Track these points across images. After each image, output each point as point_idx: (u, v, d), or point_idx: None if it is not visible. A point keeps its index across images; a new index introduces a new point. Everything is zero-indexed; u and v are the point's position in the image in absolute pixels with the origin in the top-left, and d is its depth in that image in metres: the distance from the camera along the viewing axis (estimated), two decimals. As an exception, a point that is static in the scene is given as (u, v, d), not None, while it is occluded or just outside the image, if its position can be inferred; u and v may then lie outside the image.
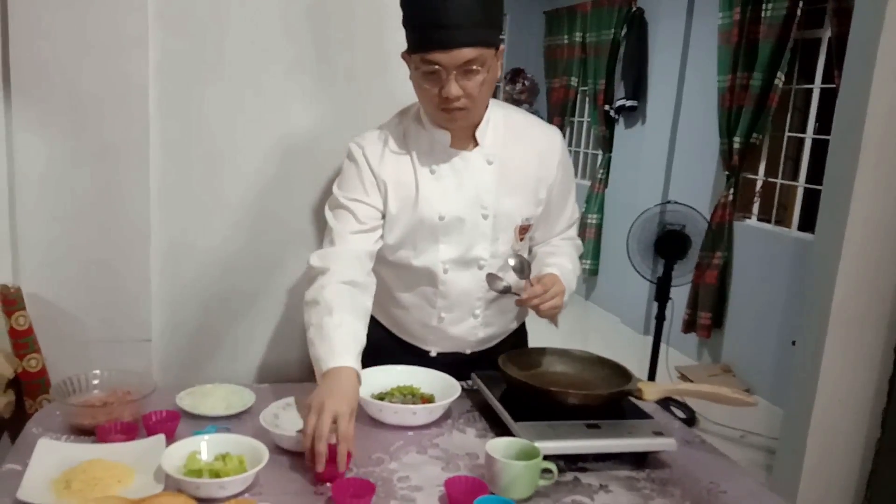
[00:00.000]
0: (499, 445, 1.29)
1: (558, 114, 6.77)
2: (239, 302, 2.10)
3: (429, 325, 1.70)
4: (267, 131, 2.02)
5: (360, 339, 1.47)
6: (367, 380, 1.58)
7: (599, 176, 6.25)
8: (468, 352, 1.75)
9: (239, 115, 1.99)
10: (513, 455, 1.28)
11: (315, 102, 2.03)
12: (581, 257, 1.84)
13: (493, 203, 1.61)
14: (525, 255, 1.66)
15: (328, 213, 1.63)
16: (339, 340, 1.41)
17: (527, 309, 1.83)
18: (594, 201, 6.25)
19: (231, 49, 1.96)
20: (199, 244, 2.03)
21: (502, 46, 1.52)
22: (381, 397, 1.54)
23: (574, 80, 6.58)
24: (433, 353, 1.73)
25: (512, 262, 1.57)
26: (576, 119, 6.92)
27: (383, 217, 1.62)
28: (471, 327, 1.71)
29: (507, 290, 1.60)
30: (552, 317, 1.64)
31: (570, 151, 1.77)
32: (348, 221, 1.59)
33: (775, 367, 4.29)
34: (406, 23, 1.49)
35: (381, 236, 1.63)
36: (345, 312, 1.46)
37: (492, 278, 1.60)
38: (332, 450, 1.27)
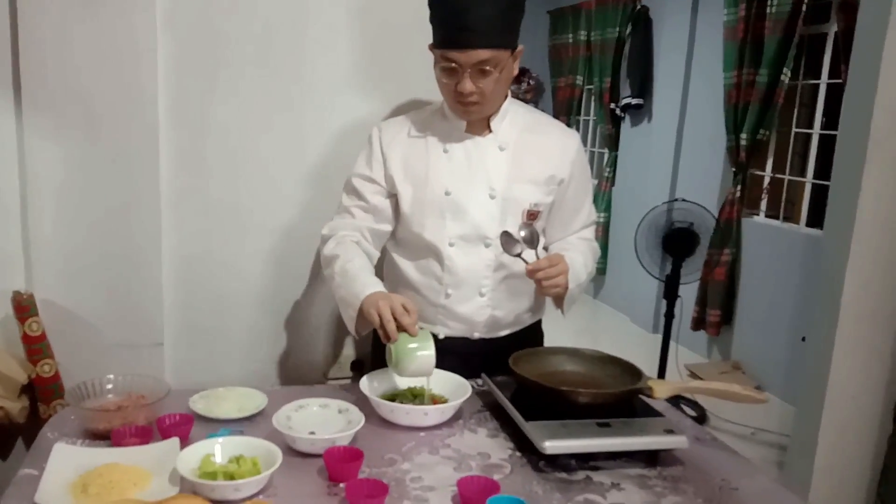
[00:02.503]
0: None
1: (564, 113, 6.77)
2: (250, 306, 2.11)
3: (437, 303, 1.74)
4: (276, 138, 2.04)
5: (376, 277, 1.64)
6: (378, 382, 1.60)
7: (606, 174, 6.24)
8: (476, 336, 1.76)
9: (248, 122, 2.01)
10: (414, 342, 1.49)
11: (325, 109, 2.05)
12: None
13: (501, 186, 1.68)
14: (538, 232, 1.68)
15: (343, 192, 1.79)
16: (366, 277, 1.60)
17: (543, 306, 1.86)
18: (601, 200, 6.24)
19: (240, 57, 1.97)
20: (210, 249, 2.05)
21: (521, 47, 1.63)
22: (392, 398, 1.55)
23: (579, 79, 6.58)
24: (441, 336, 1.74)
25: (522, 232, 1.61)
26: (581, 118, 6.92)
27: (391, 195, 1.74)
28: (478, 307, 1.73)
29: (518, 255, 1.61)
30: (555, 296, 1.69)
31: (576, 150, 1.81)
32: (353, 198, 1.76)
33: (786, 364, 4.28)
34: (432, 20, 1.62)
35: (389, 220, 1.76)
36: (363, 259, 1.66)
37: (507, 240, 1.61)
38: (349, 452, 1.31)
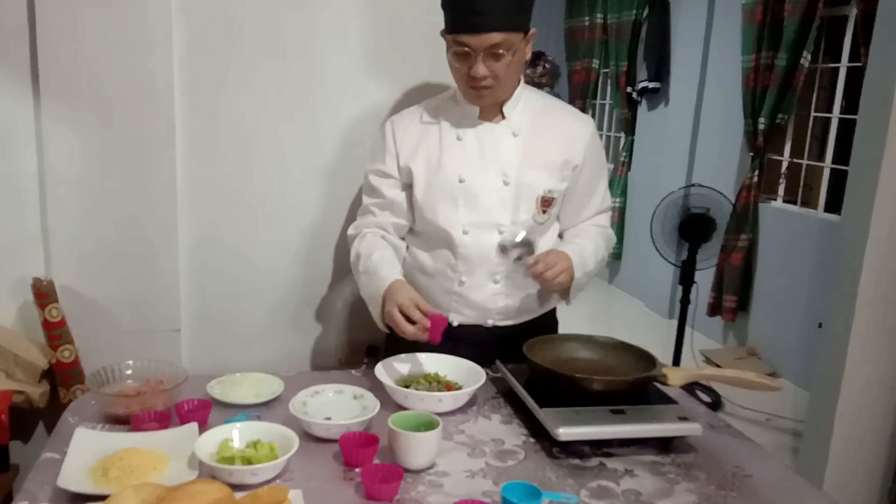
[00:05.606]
0: (399, 418, 1.32)
1: (580, 96, 6.73)
2: (265, 291, 2.12)
3: (451, 290, 1.74)
4: (290, 125, 2.04)
5: (395, 263, 1.68)
6: (393, 368, 1.61)
7: (622, 159, 6.21)
8: (489, 323, 1.77)
9: (263, 110, 2.01)
10: (413, 427, 1.30)
11: (339, 97, 2.05)
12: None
13: (514, 172, 1.69)
14: (532, 240, 1.68)
15: (363, 191, 1.82)
16: (382, 270, 1.63)
17: (556, 295, 1.85)
18: (617, 184, 6.21)
19: (253, 44, 1.97)
20: (226, 235, 2.06)
21: (533, 30, 1.63)
22: (406, 385, 1.56)
23: (595, 63, 6.53)
24: (455, 323, 1.75)
25: (518, 239, 1.64)
26: (598, 101, 6.87)
27: (408, 186, 1.74)
28: (491, 294, 1.74)
29: (518, 259, 1.64)
30: (559, 291, 1.72)
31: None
32: (371, 195, 1.78)
33: (802, 350, 4.25)
34: (444, 5, 1.61)
35: (406, 213, 1.77)
36: (380, 250, 1.69)
37: (503, 249, 1.67)
38: (364, 438, 1.32)
